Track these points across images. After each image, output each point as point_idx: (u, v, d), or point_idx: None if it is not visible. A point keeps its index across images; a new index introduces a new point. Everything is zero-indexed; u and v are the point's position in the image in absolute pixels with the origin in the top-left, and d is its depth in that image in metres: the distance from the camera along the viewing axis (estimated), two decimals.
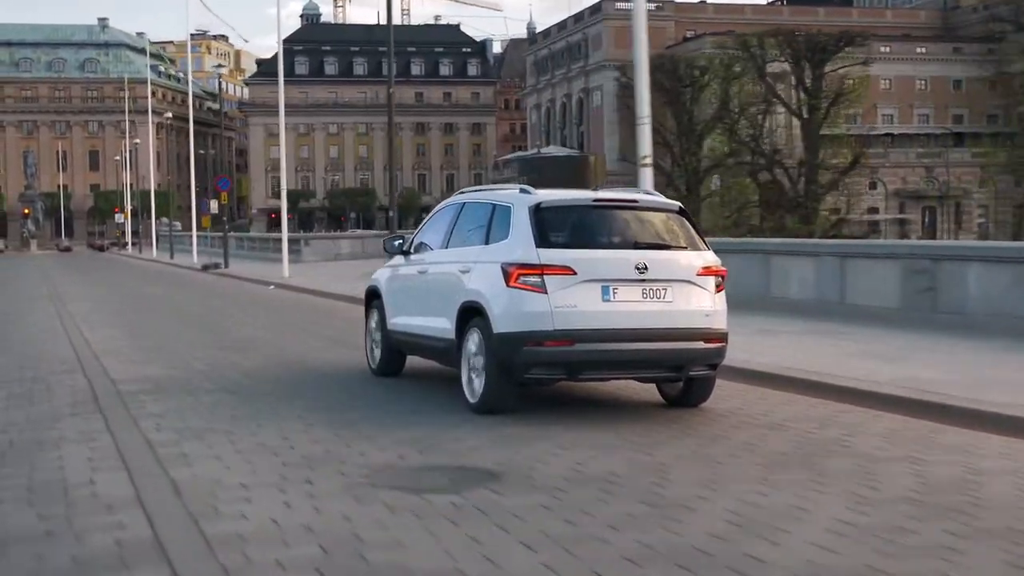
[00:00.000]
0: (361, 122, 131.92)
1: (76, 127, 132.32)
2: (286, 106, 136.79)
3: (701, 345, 8.72)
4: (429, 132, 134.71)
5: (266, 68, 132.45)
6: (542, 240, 8.54)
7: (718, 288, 8.90)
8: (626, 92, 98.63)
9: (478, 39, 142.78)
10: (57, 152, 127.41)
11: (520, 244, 8.61)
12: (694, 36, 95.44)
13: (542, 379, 8.77)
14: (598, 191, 9.44)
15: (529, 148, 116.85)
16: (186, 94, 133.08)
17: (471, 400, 8.96)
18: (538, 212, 8.69)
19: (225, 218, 48.93)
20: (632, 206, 9.06)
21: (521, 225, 8.69)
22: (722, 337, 8.87)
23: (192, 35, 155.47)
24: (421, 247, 10.63)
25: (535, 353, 8.40)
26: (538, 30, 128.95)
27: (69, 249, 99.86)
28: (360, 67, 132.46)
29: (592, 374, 8.86)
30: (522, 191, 9.22)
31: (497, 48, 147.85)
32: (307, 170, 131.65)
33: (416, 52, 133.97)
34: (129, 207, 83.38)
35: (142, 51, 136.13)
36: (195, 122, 61.94)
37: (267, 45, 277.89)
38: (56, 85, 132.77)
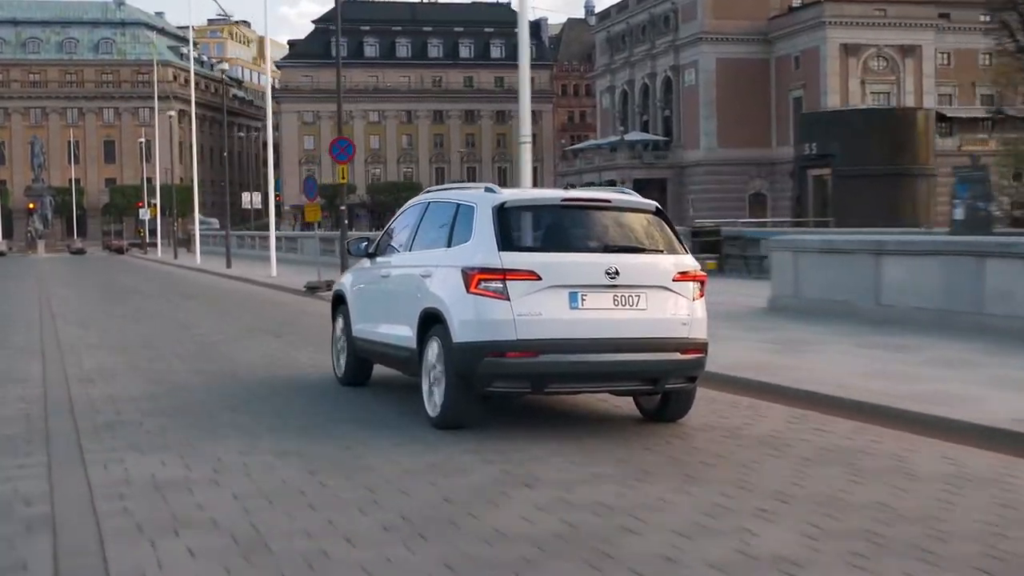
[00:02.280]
0: (404, 109, 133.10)
1: (90, 114, 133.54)
2: (321, 91, 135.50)
3: (677, 356, 9.03)
4: (480, 120, 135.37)
5: (301, 49, 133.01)
6: (505, 243, 8.86)
7: (697, 295, 9.24)
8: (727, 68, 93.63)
9: (531, 18, 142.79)
10: (68, 142, 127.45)
11: (482, 247, 8.94)
12: (801, 5, 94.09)
13: (505, 392, 9.13)
14: (568, 190, 9.83)
15: (599, 136, 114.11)
16: (210, 79, 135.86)
17: (431, 414, 9.38)
18: (502, 213, 9.02)
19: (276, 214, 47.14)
20: (604, 206, 9.39)
21: (484, 227, 9.02)
22: (701, 347, 9.21)
23: (212, 20, 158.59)
24: (386, 250, 11.13)
25: (497, 364, 8.72)
26: (597, 9, 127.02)
27: (82, 251, 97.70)
28: (403, 49, 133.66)
29: (559, 387, 9.19)
30: (487, 190, 9.57)
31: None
32: None
33: (464, 32, 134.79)
34: (158, 202, 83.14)
35: (162, 31, 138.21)
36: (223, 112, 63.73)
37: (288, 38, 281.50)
38: (67, 68, 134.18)
